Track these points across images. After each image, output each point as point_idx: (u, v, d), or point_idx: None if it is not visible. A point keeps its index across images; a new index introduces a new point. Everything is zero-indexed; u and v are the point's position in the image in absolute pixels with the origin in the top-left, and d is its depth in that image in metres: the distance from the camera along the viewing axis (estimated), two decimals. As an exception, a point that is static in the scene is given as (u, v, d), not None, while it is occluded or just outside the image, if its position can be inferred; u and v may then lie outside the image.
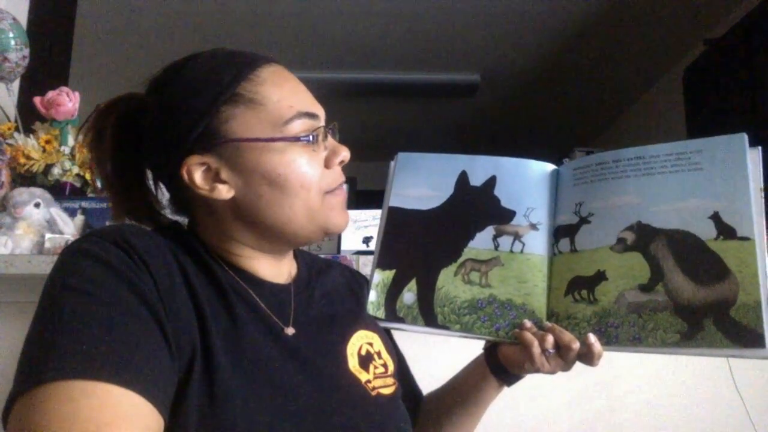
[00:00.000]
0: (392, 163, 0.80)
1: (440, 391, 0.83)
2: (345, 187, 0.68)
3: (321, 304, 0.69)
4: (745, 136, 0.63)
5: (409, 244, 0.75)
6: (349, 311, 0.72)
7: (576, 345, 0.63)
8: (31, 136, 1.44)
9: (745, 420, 1.24)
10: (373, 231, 1.49)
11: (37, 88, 1.58)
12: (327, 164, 0.64)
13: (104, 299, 0.49)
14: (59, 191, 1.40)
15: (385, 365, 0.70)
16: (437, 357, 1.02)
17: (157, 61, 0.66)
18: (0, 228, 1.23)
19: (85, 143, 0.65)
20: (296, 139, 0.61)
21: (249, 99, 0.60)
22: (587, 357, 0.63)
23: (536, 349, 0.64)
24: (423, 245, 0.75)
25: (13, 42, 1.47)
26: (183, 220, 0.69)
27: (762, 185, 0.62)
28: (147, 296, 0.51)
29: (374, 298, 0.74)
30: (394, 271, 0.74)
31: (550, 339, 0.64)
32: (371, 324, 0.73)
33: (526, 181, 0.73)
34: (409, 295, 0.73)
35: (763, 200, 0.61)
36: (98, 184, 1.28)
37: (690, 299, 0.61)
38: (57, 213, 1.28)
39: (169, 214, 0.69)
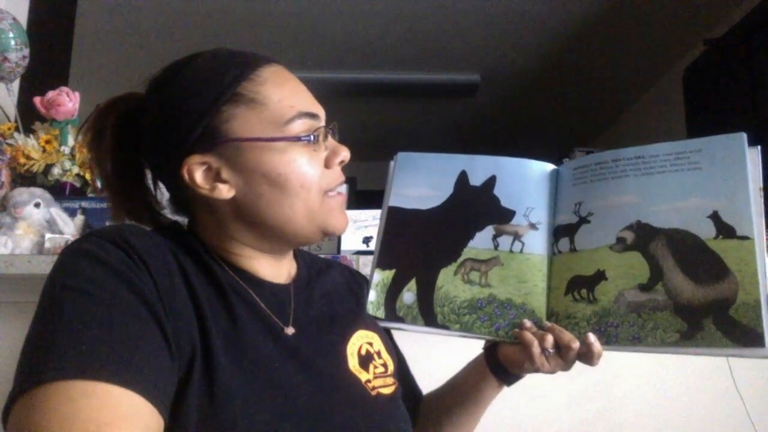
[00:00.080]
0: (392, 163, 0.80)
1: (440, 390, 0.83)
2: (345, 188, 0.68)
3: (321, 304, 0.69)
4: (744, 136, 0.63)
5: (409, 243, 0.75)
6: (348, 311, 0.72)
7: (576, 344, 0.63)
8: (31, 136, 1.44)
9: (745, 420, 1.24)
10: (373, 231, 1.49)
11: (37, 88, 1.58)
12: (327, 164, 0.64)
13: (104, 299, 0.49)
14: (59, 191, 1.40)
15: (385, 365, 0.70)
16: (437, 357, 1.02)
17: (157, 61, 0.66)
18: (0, 228, 1.23)
19: (85, 143, 0.65)
20: (297, 138, 0.61)
21: (250, 99, 0.60)
22: (587, 356, 0.63)
23: (536, 348, 0.64)
24: (423, 245, 0.75)
25: (13, 42, 1.47)
26: (183, 220, 0.69)
27: (761, 185, 0.62)
28: (147, 296, 0.51)
29: (374, 297, 0.74)
30: (393, 270, 0.74)
31: (549, 338, 0.64)
32: (371, 324, 0.73)
33: (525, 180, 0.73)
34: (408, 295, 0.73)
35: (762, 199, 0.61)
36: (98, 184, 1.28)
37: (689, 299, 0.61)
38: (57, 213, 1.28)
39: (168, 214, 0.69)
